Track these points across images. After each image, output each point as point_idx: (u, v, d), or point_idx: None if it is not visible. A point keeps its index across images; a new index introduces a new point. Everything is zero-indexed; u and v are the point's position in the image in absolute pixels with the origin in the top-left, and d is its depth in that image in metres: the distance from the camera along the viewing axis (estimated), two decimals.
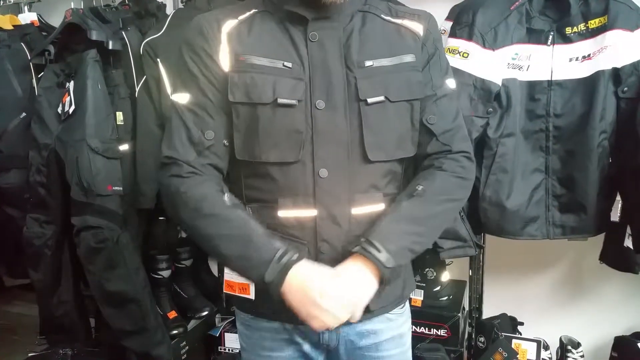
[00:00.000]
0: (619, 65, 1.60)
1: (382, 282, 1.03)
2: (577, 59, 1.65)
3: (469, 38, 1.64)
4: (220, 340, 2.25)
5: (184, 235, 2.48)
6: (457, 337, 1.96)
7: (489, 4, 1.65)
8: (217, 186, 1.09)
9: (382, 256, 1.01)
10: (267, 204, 1.10)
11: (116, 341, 1.94)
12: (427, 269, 2.04)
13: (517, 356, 1.91)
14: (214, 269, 2.55)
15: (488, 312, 2.19)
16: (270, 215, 1.10)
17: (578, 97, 1.65)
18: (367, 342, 1.18)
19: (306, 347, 1.19)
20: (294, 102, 1.06)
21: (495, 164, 1.68)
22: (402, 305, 1.23)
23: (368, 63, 1.09)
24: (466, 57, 1.64)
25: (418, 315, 1.87)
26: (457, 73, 1.51)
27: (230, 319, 2.30)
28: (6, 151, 2.13)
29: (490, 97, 1.66)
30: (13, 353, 2.54)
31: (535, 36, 1.67)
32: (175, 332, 2.13)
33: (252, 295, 1.15)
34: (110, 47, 1.89)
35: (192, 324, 2.28)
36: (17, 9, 2.47)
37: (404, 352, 1.24)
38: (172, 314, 2.19)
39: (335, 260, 1.06)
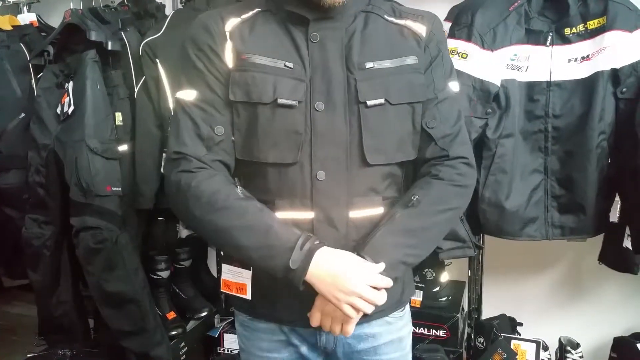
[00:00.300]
0: (617, 66, 1.60)
1: None
2: (576, 59, 1.65)
3: (468, 39, 1.64)
4: (219, 341, 2.25)
5: (182, 235, 2.48)
6: (456, 337, 1.96)
7: (488, 5, 1.65)
8: (227, 180, 1.08)
9: None
10: (265, 204, 1.08)
11: (115, 342, 1.94)
12: (426, 270, 2.04)
13: (516, 357, 1.91)
14: (213, 269, 2.55)
15: (487, 312, 2.19)
16: None
17: (577, 98, 1.65)
18: (365, 346, 1.17)
19: (304, 349, 1.19)
20: (294, 102, 1.05)
21: (494, 164, 1.68)
22: (402, 308, 1.22)
23: (369, 65, 1.07)
24: (465, 58, 1.63)
25: (417, 316, 1.87)
26: (456, 74, 1.51)
27: (229, 320, 2.30)
28: (5, 151, 2.13)
29: (489, 97, 1.66)
30: (12, 353, 2.54)
31: (534, 37, 1.67)
32: (174, 332, 2.13)
33: (248, 296, 1.15)
34: (110, 47, 1.89)
35: (191, 324, 2.28)
36: (16, 10, 2.48)
37: (404, 355, 1.23)
38: (171, 315, 2.19)
39: None
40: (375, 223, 1.10)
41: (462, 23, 1.67)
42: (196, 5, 1.98)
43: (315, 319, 1.06)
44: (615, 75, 1.61)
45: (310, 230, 1.07)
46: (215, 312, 2.37)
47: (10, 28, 2.27)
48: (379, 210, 1.10)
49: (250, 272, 1.14)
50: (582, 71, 1.64)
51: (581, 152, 1.65)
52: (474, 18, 1.64)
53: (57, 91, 1.98)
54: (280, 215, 1.07)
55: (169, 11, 2.23)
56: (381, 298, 1.01)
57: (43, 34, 2.30)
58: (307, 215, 1.07)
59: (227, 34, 1.09)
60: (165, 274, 2.20)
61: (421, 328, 1.96)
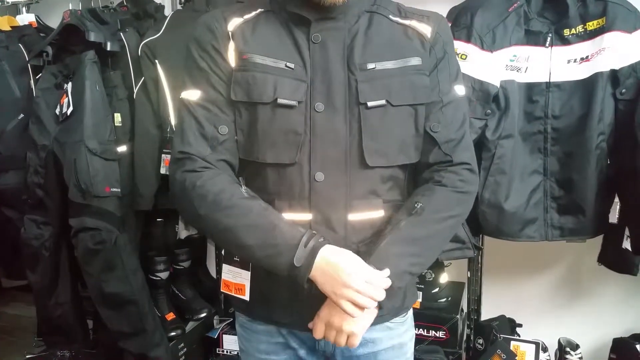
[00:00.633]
0: (617, 67, 1.60)
1: (379, 305, 1.03)
2: (575, 60, 1.65)
3: (468, 40, 1.64)
4: (218, 342, 2.25)
5: (182, 236, 2.48)
6: (456, 338, 1.96)
7: (487, 6, 1.65)
8: (232, 179, 1.08)
9: None
10: None
11: (114, 343, 1.94)
12: (426, 271, 2.04)
13: (516, 358, 1.91)
14: (212, 270, 2.55)
15: (487, 313, 2.18)
16: None
17: (576, 99, 1.65)
18: (364, 351, 1.16)
19: (302, 352, 1.18)
20: (293, 103, 1.05)
21: (493, 165, 1.68)
22: (404, 314, 1.21)
23: (370, 66, 1.06)
24: (464, 59, 1.63)
25: (416, 317, 1.84)
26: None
27: (229, 321, 2.30)
28: (4, 152, 2.13)
29: (489, 98, 1.66)
30: (11, 354, 2.54)
31: (533, 38, 1.67)
32: (173, 333, 2.13)
33: (247, 296, 1.15)
34: (109, 48, 1.89)
35: (190, 325, 2.28)
36: (15, 10, 2.47)
37: None
38: (170, 316, 2.19)
39: None
40: (376, 226, 1.10)
41: (461, 24, 1.67)
42: (195, 6, 1.98)
43: (319, 331, 1.05)
44: (614, 76, 1.61)
45: None
46: (215, 313, 2.37)
47: (9, 29, 2.27)
48: (379, 213, 1.10)
49: (249, 273, 1.14)
50: (582, 72, 1.64)
51: (580, 153, 1.65)
52: (473, 19, 1.64)
53: (56, 92, 1.97)
54: None
55: (168, 12, 2.23)
56: (380, 294, 1.00)
57: (42, 34, 2.30)
58: (305, 216, 1.07)
59: (230, 34, 1.09)
60: (164, 275, 2.20)
61: (420, 329, 1.96)
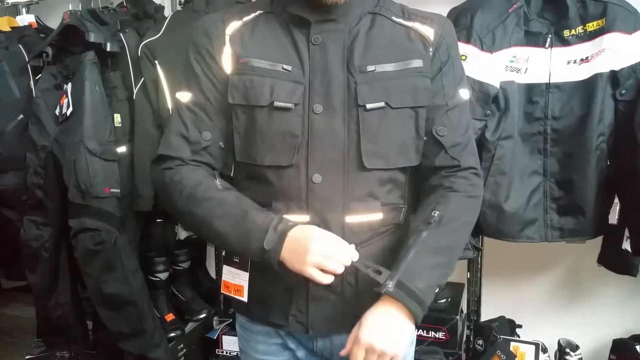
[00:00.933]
0: (616, 68, 1.60)
1: (417, 324, 1.00)
2: (575, 61, 1.65)
3: (467, 40, 1.64)
4: (218, 343, 2.25)
5: (181, 237, 2.48)
6: (456, 339, 1.96)
7: (487, 7, 1.65)
8: (208, 172, 1.11)
9: (415, 300, 0.98)
10: (263, 207, 1.08)
11: (114, 343, 1.94)
12: None
13: (516, 359, 1.90)
14: (212, 271, 2.55)
15: (486, 314, 2.18)
16: None
17: (576, 100, 1.65)
18: None
19: (300, 353, 1.18)
20: (290, 105, 1.05)
21: (493, 166, 1.68)
22: None
23: (370, 68, 1.06)
24: (464, 60, 1.63)
25: None
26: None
27: (228, 322, 2.30)
28: (4, 153, 2.13)
29: (489, 99, 1.66)
30: (10, 355, 2.53)
31: (533, 39, 1.67)
32: (172, 334, 2.12)
33: (245, 298, 1.15)
34: (108, 49, 1.89)
35: (189, 326, 2.28)
36: (14, 11, 2.47)
37: None
38: (170, 317, 2.19)
39: None
40: (374, 229, 1.10)
41: (461, 25, 1.66)
42: (195, 7, 1.98)
43: (358, 358, 0.99)
44: (614, 77, 1.61)
45: None
46: (214, 313, 2.37)
47: (9, 29, 2.27)
48: (377, 216, 1.09)
49: (247, 274, 1.14)
50: (581, 73, 1.64)
51: (580, 154, 1.65)
52: (473, 20, 1.64)
53: (56, 92, 1.97)
54: None
55: (167, 12, 2.23)
56: (345, 258, 1.00)
57: (42, 35, 2.30)
58: (303, 218, 1.06)
59: (227, 38, 1.09)
60: (163, 276, 2.20)
61: (420, 330, 1.96)
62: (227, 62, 1.09)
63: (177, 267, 2.30)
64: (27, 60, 2.14)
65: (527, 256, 2.14)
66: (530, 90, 1.69)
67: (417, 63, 1.08)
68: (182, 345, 2.16)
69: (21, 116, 2.12)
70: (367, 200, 1.08)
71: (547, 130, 1.69)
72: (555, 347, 2.04)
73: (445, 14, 1.84)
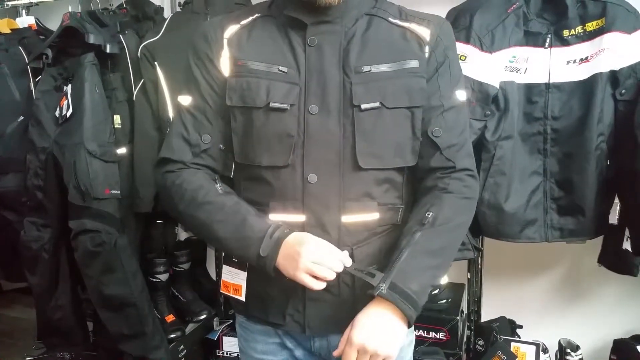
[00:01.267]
0: (616, 68, 1.60)
1: (410, 325, 1.01)
2: (574, 61, 1.65)
3: (467, 41, 1.64)
4: (218, 344, 2.25)
5: (181, 238, 2.48)
6: (456, 340, 1.95)
7: (486, 7, 1.65)
8: (209, 176, 1.13)
9: (408, 302, 0.98)
10: (261, 207, 1.10)
11: (114, 345, 1.94)
12: None
13: (516, 359, 1.90)
14: (212, 272, 2.55)
15: (487, 315, 2.18)
16: None
17: (576, 100, 1.65)
18: None
19: (298, 353, 1.19)
20: (285, 106, 1.06)
21: (493, 166, 1.68)
22: None
23: (366, 68, 1.07)
24: (464, 60, 1.63)
25: (416, 319, 1.85)
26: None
27: (229, 323, 2.30)
28: (4, 154, 2.13)
29: (488, 100, 1.66)
30: (11, 357, 2.54)
31: (532, 39, 1.67)
32: (173, 335, 2.12)
33: (243, 297, 1.16)
34: (108, 50, 1.89)
35: (190, 327, 2.28)
36: (14, 13, 2.47)
37: None
38: (170, 318, 2.19)
39: None
40: (370, 229, 1.10)
41: (460, 25, 1.67)
42: (194, 8, 1.98)
43: (350, 358, 1.00)
44: (614, 77, 1.61)
45: None
46: (214, 315, 2.37)
47: (9, 31, 2.27)
48: (373, 216, 1.10)
49: (246, 273, 1.15)
50: (581, 73, 1.64)
51: (580, 153, 1.65)
52: (472, 20, 1.64)
53: (56, 94, 1.98)
54: (274, 217, 1.08)
55: (167, 14, 2.23)
56: (336, 265, 1.01)
57: (42, 37, 2.30)
58: (299, 218, 1.08)
59: (225, 42, 1.12)
60: (164, 277, 2.20)
61: (420, 330, 1.96)
62: (225, 65, 1.11)
63: (177, 269, 2.30)
64: (27, 62, 2.14)
65: (528, 256, 2.14)
66: (530, 91, 1.69)
67: (413, 63, 1.08)
68: (182, 347, 2.16)
69: (21, 118, 2.12)
70: (363, 200, 1.09)
71: (546, 130, 1.69)
72: (556, 348, 2.04)
73: (444, 14, 1.86)
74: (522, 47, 1.67)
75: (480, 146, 1.69)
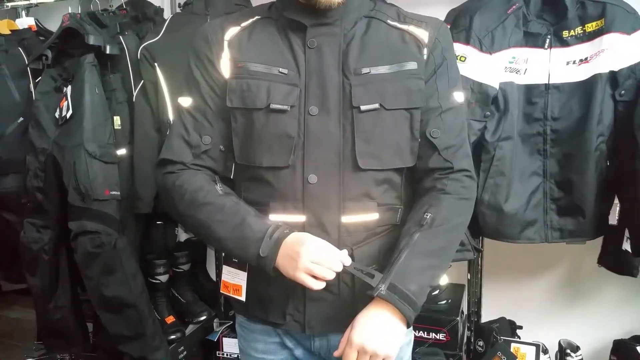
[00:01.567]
0: (616, 69, 1.60)
1: (409, 325, 1.02)
2: (574, 62, 1.65)
3: (466, 42, 1.65)
4: (218, 345, 2.25)
5: (181, 239, 2.48)
6: (456, 341, 1.95)
7: (486, 8, 1.66)
8: (209, 177, 1.14)
9: (407, 302, 0.99)
10: (261, 207, 1.10)
11: (114, 346, 1.94)
12: None
13: None
14: (212, 273, 2.55)
15: (487, 315, 2.18)
16: None
17: (575, 101, 1.65)
18: None
19: (298, 352, 1.20)
20: (286, 107, 1.07)
21: (493, 167, 1.68)
22: None
23: (365, 70, 1.08)
24: (463, 61, 1.64)
25: (416, 319, 1.84)
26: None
27: (229, 324, 2.30)
28: (4, 156, 2.13)
29: (488, 100, 1.66)
30: (10, 358, 2.54)
31: (532, 39, 1.67)
32: (173, 337, 2.12)
33: (243, 297, 1.17)
34: (108, 51, 1.89)
35: (190, 328, 2.27)
36: (14, 14, 2.47)
37: None
38: (170, 319, 2.19)
39: None
40: (370, 229, 1.11)
41: (460, 26, 1.67)
42: (194, 9, 1.98)
43: (350, 358, 1.01)
44: (613, 77, 1.61)
45: None
46: (214, 316, 2.36)
47: (9, 32, 2.27)
48: (373, 216, 1.10)
49: (246, 274, 1.16)
50: (581, 74, 1.64)
51: (580, 154, 1.65)
52: (472, 21, 1.65)
53: (56, 95, 1.97)
54: (274, 218, 1.09)
55: (167, 15, 2.23)
56: (336, 265, 1.01)
57: (41, 38, 2.30)
58: (299, 218, 1.09)
59: (226, 43, 1.13)
60: (164, 278, 2.20)
61: (421, 331, 1.96)
62: (225, 67, 1.12)
63: (177, 270, 2.30)
64: (26, 63, 2.14)
65: (528, 257, 2.14)
66: (530, 91, 1.69)
67: (412, 65, 1.09)
68: (182, 348, 2.16)
69: (21, 119, 2.12)
70: (363, 200, 1.10)
71: (546, 131, 1.69)
72: (556, 348, 2.04)
73: (444, 15, 1.86)
74: (521, 48, 1.67)
75: (480, 147, 1.69)
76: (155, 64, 1.89)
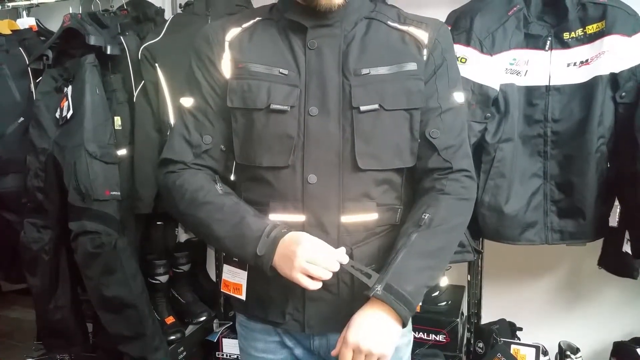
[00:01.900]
0: (616, 71, 1.60)
1: (404, 325, 1.02)
2: (575, 64, 1.65)
3: (467, 43, 1.65)
4: (218, 346, 2.25)
5: (181, 240, 2.48)
6: (456, 342, 1.95)
7: (486, 10, 1.66)
8: (210, 177, 1.14)
9: (403, 303, 0.99)
10: (261, 207, 1.11)
11: (114, 346, 1.94)
12: None
13: None
14: (212, 273, 2.55)
15: (487, 317, 2.18)
16: None
17: (576, 102, 1.65)
18: None
19: (298, 351, 1.20)
20: (286, 107, 1.07)
21: (493, 169, 1.68)
22: None
23: (365, 71, 1.08)
24: (464, 63, 1.64)
25: (416, 321, 1.86)
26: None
27: (228, 325, 2.29)
28: (4, 156, 2.13)
29: (488, 102, 1.66)
30: (10, 358, 2.54)
31: (533, 41, 1.67)
32: (172, 337, 2.12)
33: (243, 296, 1.17)
34: (109, 52, 1.89)
35: (189, 329, 2.28)
36: (15, 14, 2.48)
37: None
38: (170, 319, 2.19)
39: None
40: (370, 229, 1.11)
41: (461, 27, 1.67)
42: (195, 10, 1.99)
43: (346, 358, 1.01)
44: (614, 79, 1.61)
45: None
46: (214, 316, 2.36)
47: (10, 32, 2.27)
48: (372, 216, 1.11)
49: (246, 273, 1.17)
50: (581, 75, 1.64)
51: (580, 156, 1.65)
52: (472, 22, 1.65)
53: (56, 95, 1.97)
54: (274, 217, 1.10)
55: (168, 15, 2.23)
56: (332, 265, 1.02)
57: (42, 38, 2.30)
58: (299, 218, 1.09)
59: (227, 44, 1.13)
60: (164, 279, 2.20)
61: (420, 333, 1.95)
62: (226, 67, 1.13)
63: (177, 270, 2.30)
64: (27, 63, 2.14)
65: (528, 259, 2.14)
66: (530, 93, 1.69)
67: (411, 66, 1.10)
68: (182, 348, 2.16)
69: (21, 119, 2.12)
70: (362, 200, 1.10)
71: (547, 132, 1.69)
72: (556, 350, 2.04)
73: (444, 16, 1.86)
74: (522, 49, 1.67)
75: (480, 148, 1.69)
76: (156, 64, 1.89)
